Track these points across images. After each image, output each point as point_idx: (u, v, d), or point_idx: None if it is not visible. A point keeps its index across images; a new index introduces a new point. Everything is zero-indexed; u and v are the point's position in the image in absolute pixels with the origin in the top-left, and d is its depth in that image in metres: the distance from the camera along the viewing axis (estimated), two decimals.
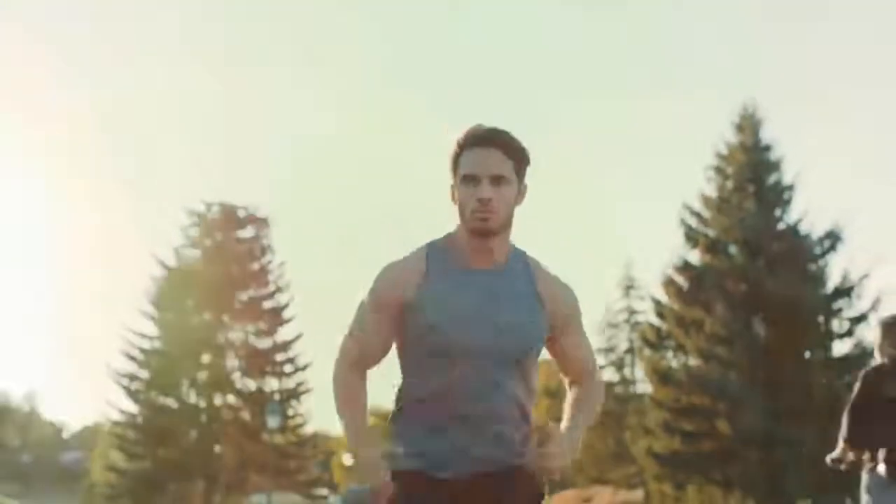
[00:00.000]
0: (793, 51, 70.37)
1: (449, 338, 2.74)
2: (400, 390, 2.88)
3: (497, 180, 2.74)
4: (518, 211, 2.82)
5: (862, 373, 5.52)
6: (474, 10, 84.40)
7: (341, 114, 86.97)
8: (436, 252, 2.83)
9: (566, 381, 2.98)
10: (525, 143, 2.83)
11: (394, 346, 2.87)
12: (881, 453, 5.29)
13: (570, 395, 2.96)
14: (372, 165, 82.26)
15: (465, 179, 2.75)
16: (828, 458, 5.90)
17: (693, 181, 29.56)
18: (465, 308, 2.75)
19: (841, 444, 5.56)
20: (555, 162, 72.24)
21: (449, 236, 2.85)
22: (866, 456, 5.41)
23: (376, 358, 2.88)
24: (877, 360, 5.57)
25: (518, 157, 2.79)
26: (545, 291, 2.82)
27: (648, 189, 71.82)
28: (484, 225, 2.73)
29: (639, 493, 33.85)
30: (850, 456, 5.56)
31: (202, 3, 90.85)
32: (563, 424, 2.87)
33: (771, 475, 26.65)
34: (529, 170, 2.83)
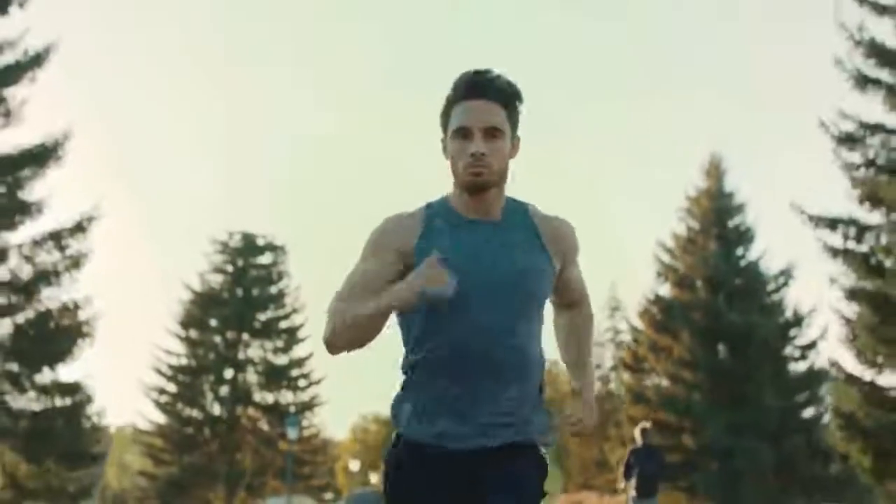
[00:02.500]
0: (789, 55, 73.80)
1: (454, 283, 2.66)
2: (405, 357, 2.85)
3: (491, 133, 2.71)
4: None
5: (628, 450, 11.25)
6: (474, 11, 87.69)
7: (345, 121, 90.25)
8: (434, 209, 2.83)
9: (557, 304, 3.06)
10: (516, 84, 2.80)
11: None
12: (633, 483, 10.97)
13: (565, 322, 3.07)
14: (378, 177, 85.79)
15: (457, 133, 2.73)
16: (617, 486, 11.66)
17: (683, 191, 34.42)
18: (462, 257, 2.72)
19: (622, 480, 11.22)
20: (550, 167, 76.10)
21: (446, 196, 2.85)
22: (629, 484, 11.10)
23: (375, 291, 2.75)
24: (637, 443, 11.35)
25: (511, 104, 2.77)
26: (547, 233, 2.83)
27: (641, 196, 76.14)
28: (477, 180, 2.72)
29: (622, 499, 38.80)
30: (626, 486, 11.25)
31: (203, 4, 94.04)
32: (576, 380, 3.00)
33: (730, 483, 31.64)
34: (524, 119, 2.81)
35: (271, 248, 41.93)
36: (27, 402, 20.09)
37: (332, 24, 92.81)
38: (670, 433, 32.83)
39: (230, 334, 40.54)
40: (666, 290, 34.29)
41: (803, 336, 33.16)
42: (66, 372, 21.13)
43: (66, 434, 20.24)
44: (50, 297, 20.10)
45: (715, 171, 34.60)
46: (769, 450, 31.07)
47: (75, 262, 20.22)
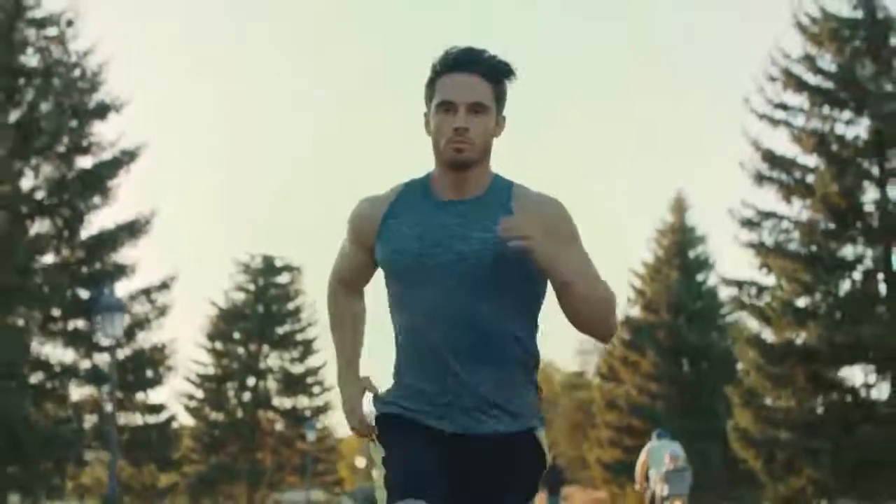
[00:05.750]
0: None
1: (406, 265, 2.79)
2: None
3: (475, 108, 2.75)
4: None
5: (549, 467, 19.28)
6: (473, 11, 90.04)
7: (345, 120, 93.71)
8: (411, 186, 2.90)
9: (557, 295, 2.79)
10: (508, 61, 2.82)
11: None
12: (545, 487, 18.99)
13: None
14: (378, 179, 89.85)
15: (441, 107, 2.76)
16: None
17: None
18: (424, 235, 2.79)
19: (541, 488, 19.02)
20: (543, 166, 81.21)
21: (429, 173, 2.89)
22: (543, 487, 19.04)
23: (354, 279, 3.04)
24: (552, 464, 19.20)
25: (499, 81, 2.81)
26: (523, 209, 2.78)
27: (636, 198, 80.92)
28: (458, 156, 2.75)
29: (602, 493, 45.91)
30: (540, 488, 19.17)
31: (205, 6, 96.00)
32: None
33: None
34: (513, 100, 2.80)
35: (288, 268, 47.49)
36: (128, 419, 27.61)
37: (333, 24, 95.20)
38: (638, 436, 40.15)
39: (252, 346, 45.94)
40: (636, 311, 41.61)
41: None
42: (155, 395, 28.73)
43: (157, 444, 27.74)
44: (143, 339, 27.59)
45: (679, 207, 41.86)
46: (720, 452, 38.17)
47: (161, 312, 27.66)
